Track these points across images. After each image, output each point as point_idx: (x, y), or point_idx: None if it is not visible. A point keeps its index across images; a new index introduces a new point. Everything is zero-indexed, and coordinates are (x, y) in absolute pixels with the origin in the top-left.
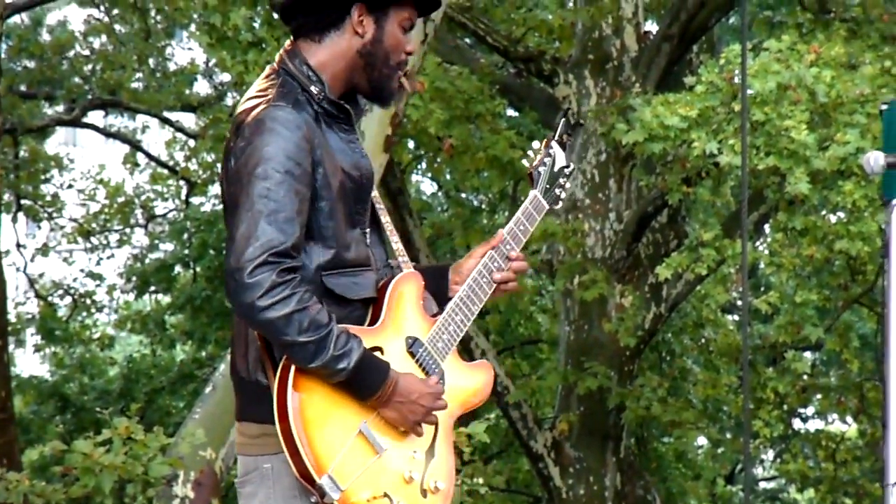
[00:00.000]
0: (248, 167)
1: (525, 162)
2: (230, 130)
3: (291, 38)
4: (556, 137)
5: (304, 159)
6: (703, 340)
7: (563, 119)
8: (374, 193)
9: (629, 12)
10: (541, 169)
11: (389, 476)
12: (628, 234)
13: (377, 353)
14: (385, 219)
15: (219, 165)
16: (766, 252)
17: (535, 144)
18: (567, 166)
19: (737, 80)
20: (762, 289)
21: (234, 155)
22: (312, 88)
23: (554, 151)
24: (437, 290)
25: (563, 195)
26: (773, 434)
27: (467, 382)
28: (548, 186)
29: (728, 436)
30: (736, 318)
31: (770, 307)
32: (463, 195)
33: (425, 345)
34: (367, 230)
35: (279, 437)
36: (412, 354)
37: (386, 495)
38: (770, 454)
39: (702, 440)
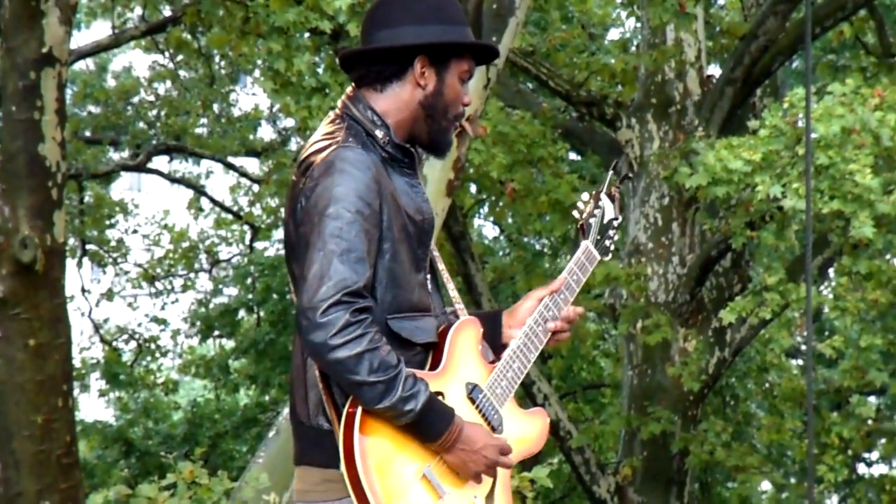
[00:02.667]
0: (319, 207)
1: (575, 213)
2: (296, 173)
3: (354, 84)
4: (605, 190)
5: (374, 200)
6: (767, 385)
7: (612, 172)
8: (433, 237)
9: (692, 56)
10: (591, 221)
11: None
12: (692, 278)
13: (439, 398)
14: (440, 266)
15: (282, 210)
16: (831, 296)
17: (585, 196)
18: (616, 218)
19: (801, 123)
20: (826, 333)
21: (304, 195)
22: (377, 132)
23: (603, 203)
24: (491, 335)
25: (612, 247)
26: (838, 479)
27: (524, 430)
28: (598, 238)
29: (792, 480)
30: (800, 362)
31: (834, 352)
32: (525, 239)
33: (485, 391)
34: (428, 276)
35: (346, 481)
36: (472, 400)
37: None
38: (834, 499)
39: (766, 485)
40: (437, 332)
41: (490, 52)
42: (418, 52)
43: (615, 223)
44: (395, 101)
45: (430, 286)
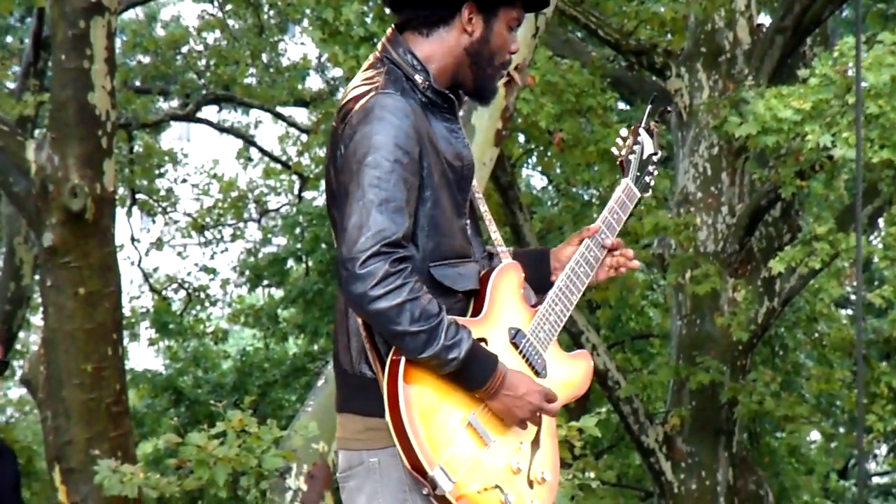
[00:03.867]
0: (358, 156)
1: (614, 150)
2: (336, 119)
3: (393, 27)
4: (644, 125)
5: (413, 148)
6: (816, 335)
7: (650, 106)
8: (474, 183)
9: (742, 5)
10: (630, 157)
11: (498, 467)
12: (741, 228)
13: (482, 344)
14: (483, 207)
15: None
16: (881, 246)
17: (623, 132)
18: (655, 153)
19: (851, 72)
20: (876, 283)
21: (343, 143)
22: (417, 77)
23: (642, 139)
24: (540, 275)
25: (653, 182)
26: (887, 429)
27: (568, 373)
28: (638, 174)
29: (841, 430)
30: (849, 312)
31: (884, 301)
32: (573, 189)
33: (528, 336)
34: (468, 221)
35: (390, 429)
36: (515, 345)
37: (497, 487)
38: (884, 449)
39: (815, 435)
40: (479, 278)
41: (540, 1)
42: None
43: (655, 158)
44: (440, 47)
45: (470, 231)
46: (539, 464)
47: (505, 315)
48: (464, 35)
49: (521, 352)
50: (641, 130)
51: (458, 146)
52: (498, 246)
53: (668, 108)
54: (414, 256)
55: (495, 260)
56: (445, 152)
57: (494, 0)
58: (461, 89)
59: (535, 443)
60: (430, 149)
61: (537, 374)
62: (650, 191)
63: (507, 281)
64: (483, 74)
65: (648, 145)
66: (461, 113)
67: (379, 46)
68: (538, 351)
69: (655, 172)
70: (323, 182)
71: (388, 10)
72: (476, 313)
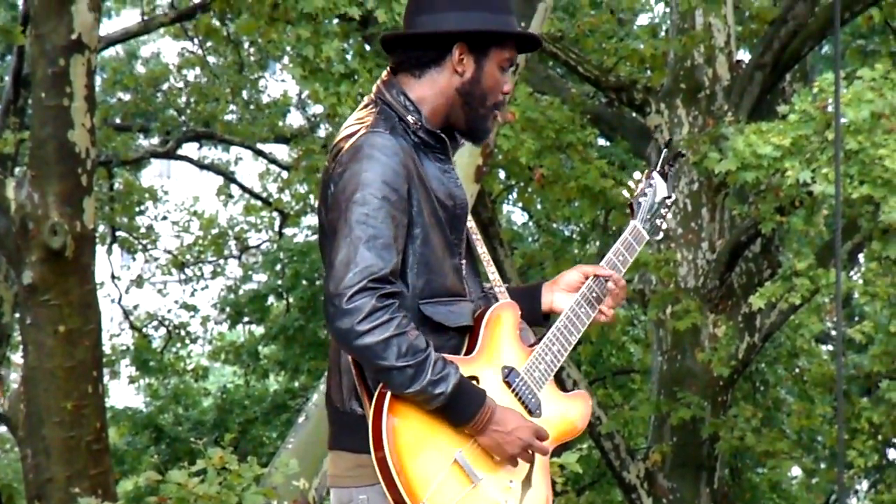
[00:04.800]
0: (347, 193)
1: (625, 193)
2: (329, 157)
3: (388, 69)
4: (658, 168)
5: (401, 185)
6: (797, 370)
7: (666, 150)
8: (471, 223)
9: (721, 41)
10: (641, 199)
11: None
12: (721, 264)
13: (473, 383)
14: (481, 249)
15: (311, 197)
16: (861, 281)
17: (637, 175)
18: (668, 197)
19: (830, 108)
20: (856, 318)
21: (333, 181)
22: (409, 118)
23: (655, 182)
24: (530, 308)
25: (664, 226)
26: (868, 464)
27: (565, 413)
28: (648, 217)
29: (822, 466)
30: (830, 347)
31: (864, 337)
32: (554, 225)
33: (522, 375)
34: (463, 261)
35: (374, 465)
36: (508, 384)
37: None
38: (864, 485)
39: (796, 470)
40: (473, 317)
41: (532, 42)
42: (458, 39)
43: (668, 202)
44: (432, 87)
45: (465, 271)
46: (530, 503)
47: (499, 354)
48: (455, 76)
49: (514, 391)
50: (655, 174)
51: (450, 186)
52: (495, 286)
53: (682, 154)
54: (404, 294)
55: (492, 300)
56: (437, 192)
57: (485, 41)
58: (455, 130)
59: (527, 482)
60: (420, 187)
61: (531, 413)
62: (661, 234)
63: (503, 320)
64: (475, 115)
65: (661, 189)
66: (454, 156)
67: (374, 88)
68: (532, 390)
69: (668, 216)
70: (303, 219)
71: (376, 49)
72: (469, 352)
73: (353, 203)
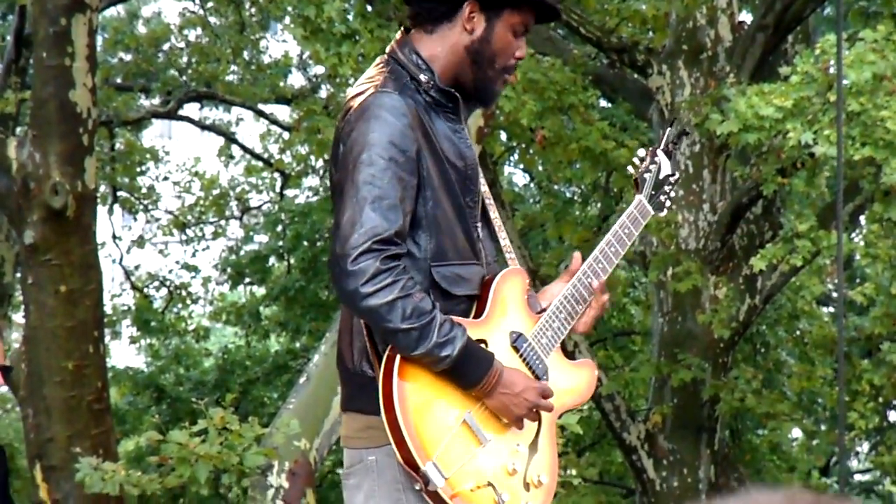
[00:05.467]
0: (354, 153)
1: (630, 168)
2: (339, 116)
3: (403, 28)
4: (663, 146)
5: (410, 146)
6: (798, 332)
7: (670, 128)
8: (485, 188)
9: (724, 2)
10: (646, 175)
11: (493, 467)
12: (722, 226)
13: (481, 346)
14: (494, 214)
15: (312, 158)
16: (862, 243)
17: (641, 152)
18: (672, 174)
19: (832, 70)
20: (858, 280)
21: (342, 140)
22: (421, 76)
23: (659, 159)
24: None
25: (668, 202)
26: (869, 426)
27: (570, 381)
28: (653, 193)
29: (823, 428)
30: (831, 309)
31: (866, 298)
32: (555, 187)
33: (529, 340)
34: (478, 224)
35: (385, 425)
36: (516, 349)
37: (489, 485)
38: (865, 446)
39: (796, 432)
40: (483, 282)
41: (550, 10)
42: None
43: (672, 179)
44: (443, 43)
45: (479, 233)
46: (536, 467)
47: (507, 319)
48: (464, 33)
49: (521, 355)
50: (659, 151)
51: (460, 146)
52: (506, 251)
53: (687, 131)
54: (415, 255)
55: (504, 266)
56: (447, 151)
57: (500, 1)
58: (462, 90)
59: (534, 445)
60: (429, 148)
61: (538, 378)
62: (665, 210)
63: (511, 285)
64: (483, 76)
65: (666, 166)
66: (469, 119)
67: (388, 47)
68: (539, 356)
69: (672, 193)
70: (304, 180)
71: (404, 2)
72: (478, 316)
73: (359, 163)
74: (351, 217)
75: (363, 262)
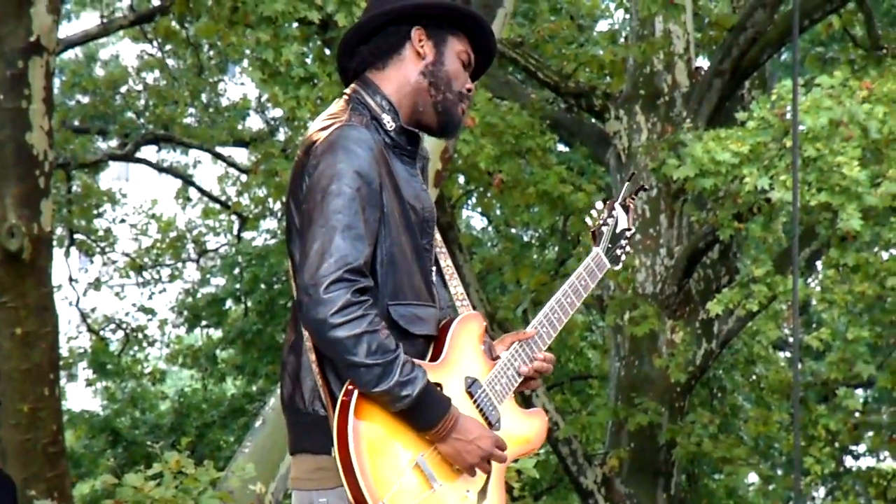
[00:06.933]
0: (322, 184)
1: (588, 221)
2: (300, 151)
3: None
4: (620, 200)
5: (374, 179)
6: (754, 377)
7: (628, 183)
8: (437, 236)
9: (681, 48)
10: (603, 228)
11: None
12: (679, 270)
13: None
14: (445, 262)
15: (270, 200)
16: (818, 289)
17: (599, 205)
18: (628, 229)
19: (788, 115)
20: (814, 325)
21: (307, 173)
22: (384, 116)
23: (617, 213)
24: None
25: (624, 257)
26: (825, 471)
27: (522, 429)
28: (609, 245)
29: (779, 473)
30: (787, 354)
31: (822, 344)
32: (513, 230)
33: (484, 387)
34: (433, 268)
35: (337, 463)
36: (470, 395)
37: None
38: (821, 492)
39: (753, 477)
40: (440, 325)
41: (483, 34)
42: (414, 21)
43: (627, 234)
44: (398, 76)
45: (434, 278)
46: None
47: (463, 364)
48: (418, 60)
49: (475, 402)
50: (617, 205)
51: (417, 189)
52: (457, 300)
53: (645, 187)
54: (373, 289)
55: (458, 312)
56: (406, 193)
57: (442, 24)
58: (424, 124)
59: (483, 493)
60: (391, 185)
61: (490, 426)
62: (620, 264)
63: (469, 330)
64: (444, 99)
65: (623, 220)
66: (424, 161)
67: (349, 88)
68: (493, 403)
69: (628, 248)
70: (262, 222)
71: (342, 63)
72: (434, 359)
73: (328, 194)
74: (321, 246)
75: (334, 291)
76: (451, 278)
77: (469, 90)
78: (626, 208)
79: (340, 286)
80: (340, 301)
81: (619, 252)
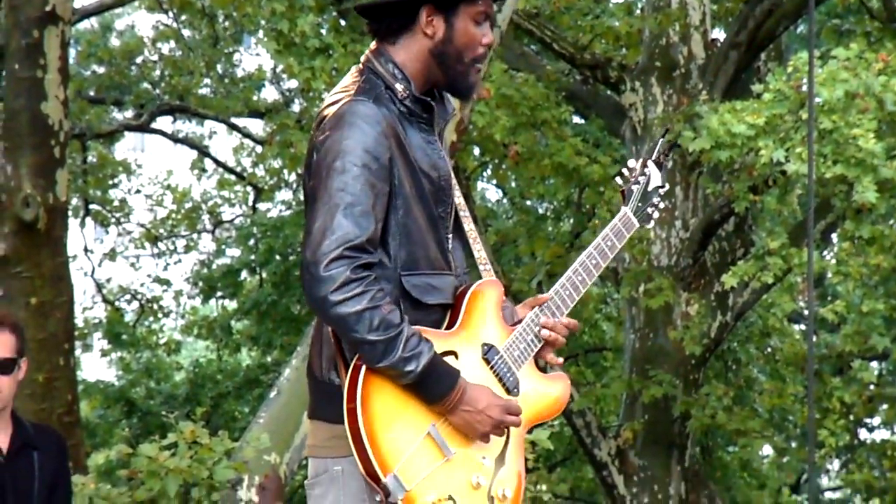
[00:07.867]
0: (327, 161)
1: (619, 180)
2: (314, 125)
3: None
4: (654, 157)
5: (383, 154)
6: (769, 349)
7: (661, 139)
8: (459, 200)
9: (697, 20)
10: (633, 187)
11: (456, 480)
12: (694, 243)
13: (451, 358)
14: (468, 226)
15: (285, 171)
16: (833, 261)
17: (631, 163)
18: (661, 186)
19: (804, 88)
20: (829, 298)
21: (316, 148)
22: (397, 86)
23: (649, 171)
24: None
25: (656, 215)
26: (839, 444)
27: (543, 394)
28: (640, 205)
29: (793, 445)
30: (802, 327)
31: (837, 316)
32: (528, 202)
33: (501, 352)
34: (450, 235)
35: (348, 435)
36: (487, 361)
37: (451, 498)
38: (836, 464)
39: (767, 449)
40: (456, 293)
41: None
42: (422, 2)
43: (661, 191)
44: (408, 53)
45: (450, 244)
46: (502, 480)
47: (480, 330)
48: (426, 39)
49: (492, 368)
50: (650, 162)
51: (434, 157)
52: (480, 264)
53: (678, 143)
54: (385, 264)
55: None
56: (420, 162)
57: None
58: (440, 88)
59: (500, 459)
60: (402, 157)
61: (509, 391)
62: (651, 222)
63: (487, 296)
64: (454, 73)
65: (655, 177)
66: (442, 126)
67: (363, 57)
68: (511, 368)
69: (661, 205)
70: (277, 193)
71: (364, 21)
72: (450, 326)
73: (332, 171)
74: (322, 224)
75: (334, 269)
76: (474, 242)
77: (486, 45)
78: (659, 165)
79: (341, 263)
80: (340, 278)
81: (650, 210)
